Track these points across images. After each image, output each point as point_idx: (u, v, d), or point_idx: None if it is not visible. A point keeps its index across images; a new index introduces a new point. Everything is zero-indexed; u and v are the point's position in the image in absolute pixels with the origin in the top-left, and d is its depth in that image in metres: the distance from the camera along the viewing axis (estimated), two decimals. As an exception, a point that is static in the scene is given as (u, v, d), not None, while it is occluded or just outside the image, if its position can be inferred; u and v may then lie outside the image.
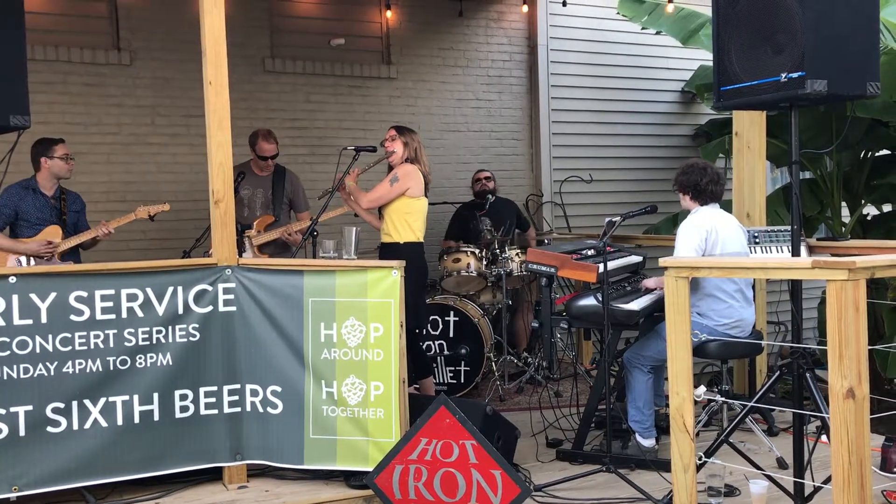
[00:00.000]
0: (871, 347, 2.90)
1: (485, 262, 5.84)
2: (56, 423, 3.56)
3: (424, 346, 5.62)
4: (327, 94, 6.63)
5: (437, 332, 5.75)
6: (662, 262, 3.42)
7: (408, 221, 4.62)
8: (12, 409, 3.48)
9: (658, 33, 7.12)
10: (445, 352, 5.74)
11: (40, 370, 3.53)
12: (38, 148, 4.72)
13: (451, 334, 5.74)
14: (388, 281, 3.75)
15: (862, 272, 2.85)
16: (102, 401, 3.63)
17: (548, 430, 4.70)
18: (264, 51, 6.41)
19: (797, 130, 3.55)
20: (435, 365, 5.70)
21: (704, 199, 4.28)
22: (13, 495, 3.48)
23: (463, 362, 5.73)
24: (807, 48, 3.25)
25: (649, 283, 4.44)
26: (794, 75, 3.30)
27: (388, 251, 4.60)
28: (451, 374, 5.74)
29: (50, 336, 3.55)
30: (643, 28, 7.08)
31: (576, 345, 6.48)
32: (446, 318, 5.75)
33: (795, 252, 3.68)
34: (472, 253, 5.82)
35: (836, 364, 2.88)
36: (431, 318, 5.74)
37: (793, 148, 3.56)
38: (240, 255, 5.09)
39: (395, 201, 4.60)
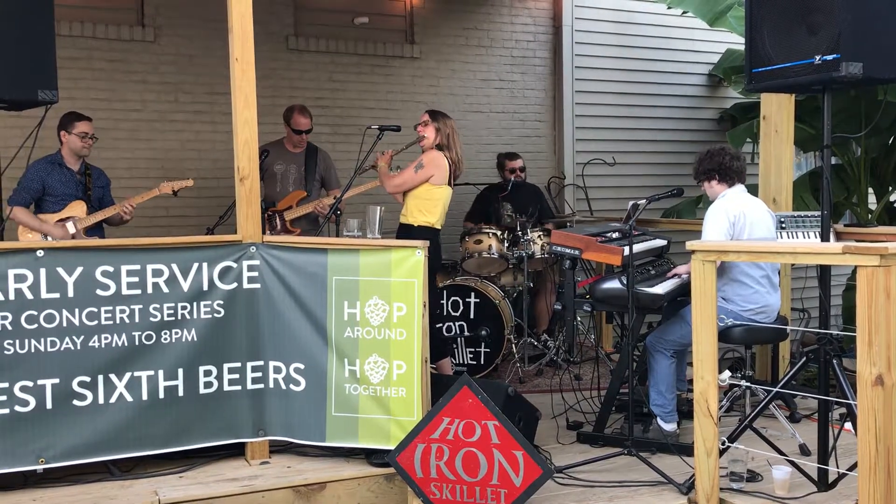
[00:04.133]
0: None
1: (506, 244, 5.82)
2: (82, 397, 3.59)
3: (444, 327, 5.63)
4: (350, 73, 6.61)
5: (458, 314, 5.75)
6: (690, 245, 3.40)
7: (426, 207, 4.65)
8: (39, 382, 3.52)
9: (684, 13, 7.02)
10: (466, 333, 5.74)
11: (67, 344, 3.56)
12: (61, 122, 4.75)
13: (472, 316, 5.74)
14: (412, 261, 3.75)
15: (894, 258, 2.81)
16: (128, 375, 3.66)
17: (568, 413, 4.70)
18: (288, 29, 6.39)
19: (830, 114, 3.50)
20: (455, 346, 5.70)
21: (731, 179, 4.25)
22: (40, 467, 3.53)
23: (483, 344, 5.72)
24: (843, 30, 3.19)
25: (681, 269, 4.40)
26: (829, 58, 3.25)
27: (403, 232, 4.68)
28: (472, 356, 5.74)
29: (76, 310, 3.57)
30: (669, 7, 6.97)
31: (596, 328, 6.46)
32: (467, 300, 5.75)
33: (825, 237, 3.64)
34: (494, 235, 5.80)
35: (865, 351, 2.85)
36: (452, 299, 5.74)
37: (825, 132, 3.51)
38: (271, 231, 5.15)
39: (417, 186, 4.63)
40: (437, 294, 5.50)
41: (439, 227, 4.73)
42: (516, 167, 6.40)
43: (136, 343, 3.67)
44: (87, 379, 3.59)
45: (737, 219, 4.12)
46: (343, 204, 4.86)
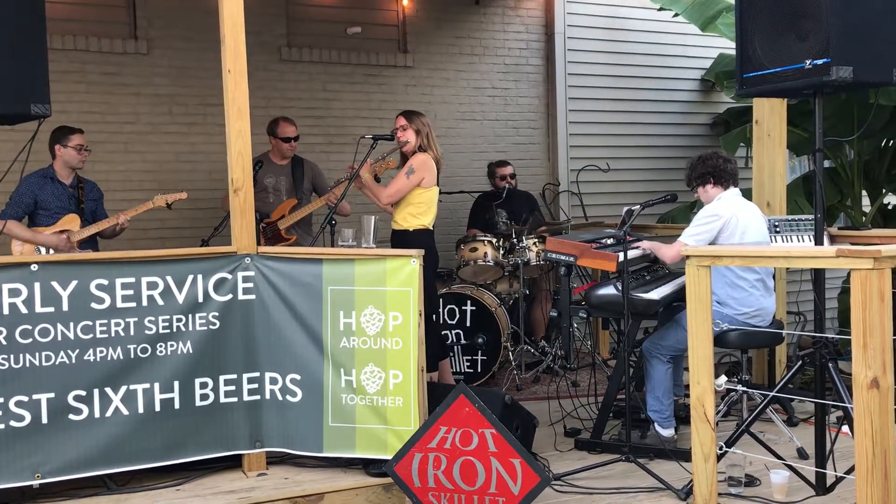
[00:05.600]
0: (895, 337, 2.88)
1: (502, 252, 5.82)
2: (78, 411, 3.57)
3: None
4: (343, 82, 6.62)
5: (454, 322, 5.74)
6: (684, 250, 3.41)
7: (419, 210, 4.65)
8: (35, 397, 3.50)
9: (675, 16, 7.04)
10: (462, 341, 5.73)
11: (62, 358, 3.55)
12: (54, 136, 4.76)
13: (468, 324, 5.73)
14: (407, 269, 3.75)
15: (887, 261, 2.82)
16: (123, 389, 3.64)
17: (566, 420, 4.70)
18: (280, 39, 6.40)
19: (821, 118, 3.52)
20: (452, 354, 5.69)
21: (726, 181, 4.27)
22: (36, 482, 3.51)
23: (480, 352, 5.72)
24: (832, 34, 3.21)
25: (644, 244, 4.42)
26: (819, 62, 3.27)
27: (399, 239, 4.65)
28: (468, 364, 5.74)
29: (71, 324, 3.56)
30: (660, 8, 6.99)
31: (593, 334, 6.46)
32: (463, 308, 5.74)
33: (818, 241, 3.65)
34: (490, 242, 5.80)
35: (860, 354, 2.85)
36: (448, 307, 5.74)
37: (816, 136, 3.52)
38: (268, 243, 5.14)
39: (410, 192, 4.63)
40: (437, 296, 5.47)
41: (433, 228, 4.74)
42: (507, 174, 6.42)
43: (132, 356, 3.66)
44: (83, 393, 3.58)
45: (727, 222, 4.13)
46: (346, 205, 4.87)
